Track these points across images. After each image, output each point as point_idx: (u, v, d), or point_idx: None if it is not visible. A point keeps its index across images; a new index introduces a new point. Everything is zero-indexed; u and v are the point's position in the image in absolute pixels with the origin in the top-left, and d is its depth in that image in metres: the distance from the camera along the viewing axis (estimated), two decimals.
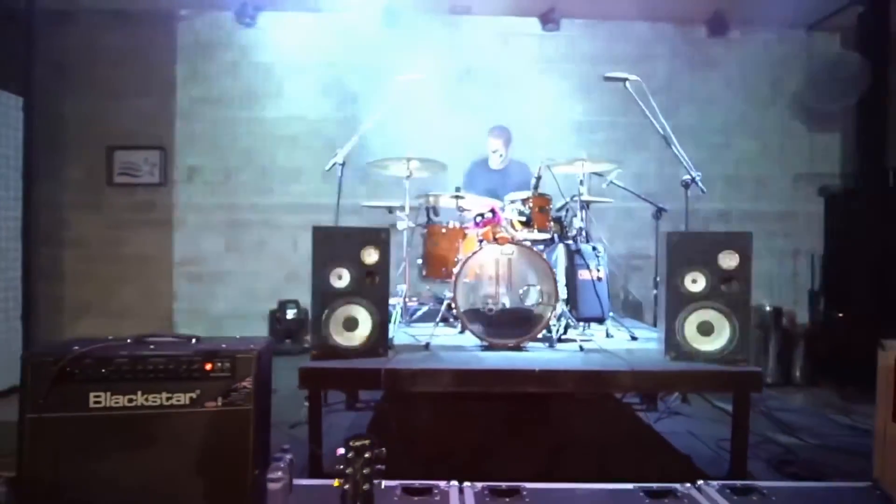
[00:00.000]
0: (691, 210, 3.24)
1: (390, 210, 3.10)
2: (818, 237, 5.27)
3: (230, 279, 5.26)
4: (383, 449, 1.17)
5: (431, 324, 2.66)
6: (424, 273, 2.92)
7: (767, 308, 4.74)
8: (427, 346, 2.39)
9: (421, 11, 5.13)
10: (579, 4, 5.17)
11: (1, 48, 4.49)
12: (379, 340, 2.19)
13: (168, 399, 1.38)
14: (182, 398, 1.38)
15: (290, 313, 4.42)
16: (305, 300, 5.06)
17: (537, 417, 2.57)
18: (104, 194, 5.20)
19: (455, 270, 2.48)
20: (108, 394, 1.35)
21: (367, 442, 1.16)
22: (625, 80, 2.88)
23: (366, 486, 1.13)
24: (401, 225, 2.85)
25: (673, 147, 2.83)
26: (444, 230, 2.87)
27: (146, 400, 1.37)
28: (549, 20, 5.16)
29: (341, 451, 1.17)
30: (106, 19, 5.11)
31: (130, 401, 1.36)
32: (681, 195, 3.18)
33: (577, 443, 2.31)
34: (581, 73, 5.22)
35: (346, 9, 5.12)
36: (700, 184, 2.84)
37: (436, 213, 3.00)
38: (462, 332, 2.69)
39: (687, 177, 2.82)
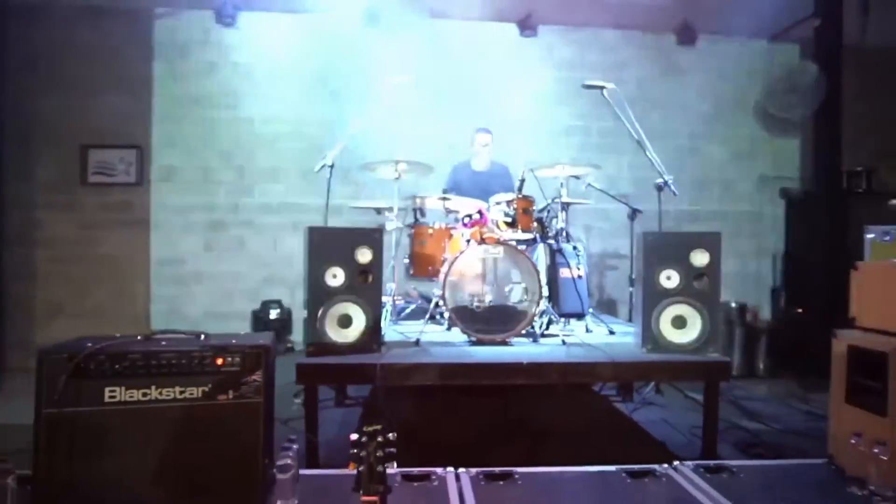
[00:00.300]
0: (663, 211, 3.43)
1: (378, 211, 3.18)
2: (780, 237, 5.59)
3: (209, 280, 5.23)
4: (393, 434, 1.27)
5: (419, 321, 2.77)
6: (411, 272, 3.01)
7: (733, 305, 5.01)
8: (417, 342, 2.49)
9: (401, 15, 5.19)
10: (555, 12, 5.34)
11: None
12: (372, 337, 2.28)
13: (181, 393, 1.44)
14: (195, 392, 1.45)
15: (273, 313, 4.44)
16: (288, 300, 5.11)
17: (521, 410, 2.70)
18: (77, 194, 5.10)
19: (443, 269, 2.58)
20: (123, 388, 1.41)
21: (379, 427, 1.26)
22: (602, 88, 3.03)
23: (379, 468, 1.22)
24: (389, 225, 2.94)
25: (647, 152, 3.00)
26: (430, 231, 2.97)
27: (160, 394, 1.43)
28: (526, 26, 5.32)
29: (354, 436, 1.26)
30: (79, 14, 5.02)
31: (145, 395, 1.42)
32: (651, 196, 3.36)
33: (560, 432, 2.44)
34: (557, 79, 5.40)
35: (327, 11, 5.16)
36: (672, 187, 3.02)
37: (422, 214, 3.10)
38: (449, 329, 2.81)
39: (660, 180, 3.00)
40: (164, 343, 1.49)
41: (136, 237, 5.15)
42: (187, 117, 5.17)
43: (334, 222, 3.61)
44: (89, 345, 1.42)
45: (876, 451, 1.59)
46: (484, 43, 5.37)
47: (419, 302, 3.05)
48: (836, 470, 1.76)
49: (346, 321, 2.25)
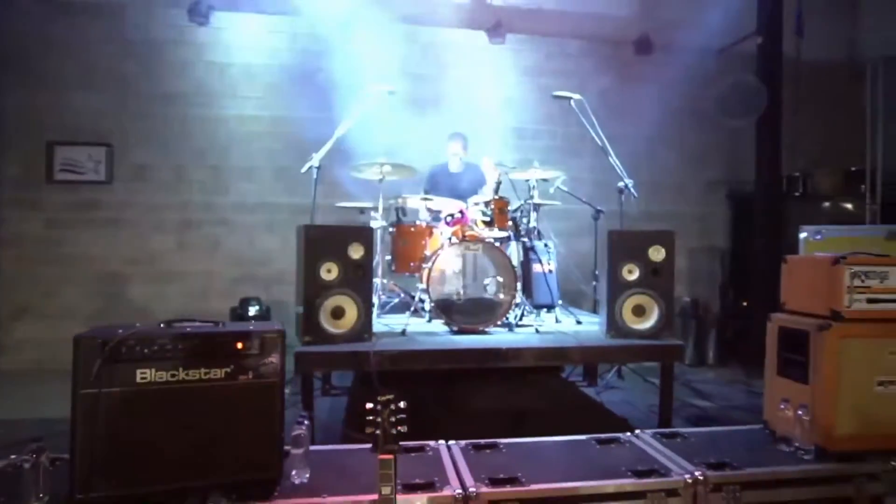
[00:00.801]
0: (621, 212, 3.76)
1: (361, 211, 3.36)
2: (727, 237, 6.08)
3: (182, 279, 5.25)
4: (403, 403, 1.48)
5: (402, 314, 2.98)
6: (394, 268, 3.21)
7: (686, 299, 5.44)
8: (404, 332, 2.70)
9: (373, 19, 5.36)
10: (522, 21, 5.64)
11: None
12: (364, 327, 2.48)
13: (206, 374, 1.60)
14: (218, 373, 1.61)
15: (253, 310, 4.53)
16: (266, 297, 5.18)
17: (498, 394, 2.95)
18: (44, 192, 5.04)
19: (426, 265, 2.80)
20: (153, 370, 1.56)
21: (391, 397, 1.47)
22: (570, 98, 3.32)
23: (394, 431, 1.43)
24: (374, 224, 3.13)
25: (610, 158, 3.31)
26: (412, 229, 3.18)
27: (187, 375, 1.58)
28: (495, 34, 5.59)
29: (370, 405, 1.46)
30: (48, 9, 4.96)
31: (173, 376, 1.57)
32: (611, 198, 3.68)
33: (534, 412, 2.70)
34: (524, 84, 5.70)
35: (300, 13, 5.28)
36: (632, 190, 3.34)
37: (404, 214, 3.30)
38: (430, 321, 3.03)
39: (622, 183, 3.30)
40: (188, 329, 1.64)
41: (105, 236, 5.12)
42: (160, 115, 5.18)
43: (317, 221, 3.76)
44: (120, 331, 1.57)
45: (800, 413, 1.92)
46: (454, 49, 5.61)
47: (402, 296, 3.25)
48: (769, 432, 2.09)
49: (339, 313, 2.44)
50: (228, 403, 1.61)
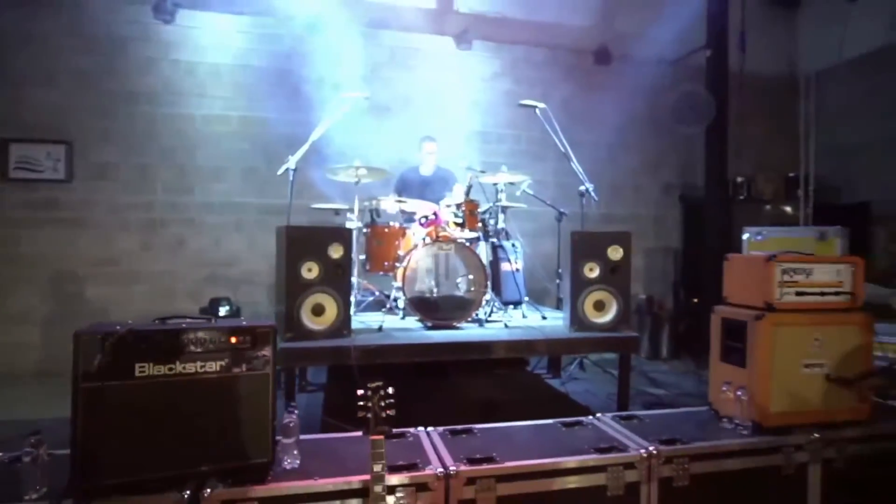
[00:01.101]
0: (582, 214, 4.01)
1: (336, 212, 3.48)
2: (680, 237, 6.47)
3: (146, 279, 5.20)
4: (391, 389, 1.63)
5: (376, 312, 3.11)
6: (368, 268, 3.34)
7: (642, 297, 5.78)
8: (380, 328, 2.84)
9: (341, 22, 5.46)
10: (489, 29, 5.86)
11: None
12: (343, 324, 2.60)
13: (202, 367, 1.70)
14: (213, 365, 1.72)
15: (223, 310, 4.56)
16: (234, 297, 5.18)
17: (469, 387, 3.13)
18: None
19: (401, 264, 2.95)
20: (151, 364, 1.65)
21: (380, 384, 1.62)
22: (535, 107, 3.53)
23: (383, 415, 1.58)
24: (350, 225, 3.25)
25: (572, 163, 3.54)
26: (386, 230, 3.32)
27: (183, 368, 1.68)
28: (462, 40, 5.78)
29: (361, 391, 1.61)
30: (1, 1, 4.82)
31: (170, 369, 1.67)
32: (573, 200, 3.92)
33: (503, 401, 2.89)
34: (491, 90, 5.92)
35: (269, 14, 5.33)
36: (593, 193, 3.58)
37: (378, 215, 3.44)
38: (404, 318, 3.18)
39: (583, 187, 3.55)
40: (184, 325, 1.74)
41: (64, 236, 5.01)
42: (123, 113, 5.11)
43: (290, 222, 3.84)
44: (118, 328, 1.65)
45: (739, 394, 2.18)
46: (422, 54, 5.77)
47: (376, 294, 3.38)
48: (713, 412, 2.34)
49: (319, 310, 2.56)
50: (223, 394, 1.72)
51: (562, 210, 3.91)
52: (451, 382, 3.03)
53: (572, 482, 1.85)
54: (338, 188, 4.44)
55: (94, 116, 5.05)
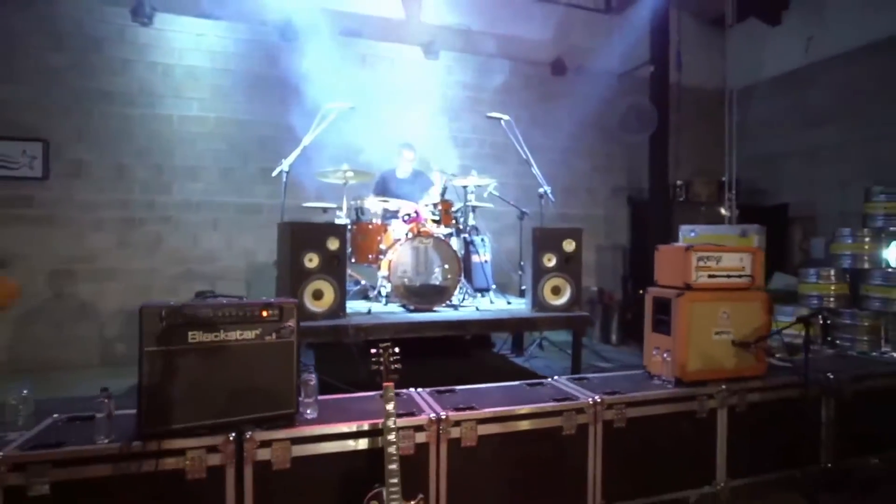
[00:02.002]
0: (540, 213, 4.60)
1: (324, 210, 3.91)
2: (628, 235, 7.22)
3: (123, 276, 5.40)
4: (398, 349, 2.12)
5: (360, 300, 3.57)
6: (354, 260, 3.80)
7: (594, 289, 6.46)
8: (369, 311, 3.31)
9: (315, 29, 5.84)
10: (454, 39, 6.38)
11: None
12: (339, 307, 3.06)
13: (240, 335, 2.13)
14: (249, 334, 2.14)
15: None
16: (219, 290, 5.46)
17: (441, 365, 3.63)
18: None
19: (387, 256, 3.42)
20: (201, 332, 2.06)
21: (389, 344, 2.11)
22: (500, 119, 4.08)
23: (392, 367, 2.07)
24: (338, 221, 3.70)
25: (533, 169, 4.11)
26: (370, 226, 3.78)
27: (226, 336, 2.10)
28: (429, 51, 6.29)
29: (374, 350, 2.09)
30: None
31: (216, 337, 2.09)
32: (532, 200, 4.50)
33: (474, 375, 3.41)
34: (456, 97, 6.46)
35: (244, 19, 5.67)
36: (551, 195, 4.17)
37: (361, 213, 3.90)
38: (386, 304, 3.65)
39: (541, 189, 4.12)
40: (225, 301, 2.17)
41: (39, 234, 5.16)
42: (98, 112, 5.31)
43: (277, 220, 4.22)
44: (172, 302, 2.07)
45: (665, 356, 2.78)
46: (392, 62, 6.24)
47: (361, 283, 3.84)
48: (647, 374, 2.95)
49: (319, 294, 3.01)
50: (257, 357, 2.16)
51: (523, 210, 4.48)
52: (428, 363, 3.52)
53: (536, 423, 2.39)
54: (319, 187, 4.83)
55: (68, 115, 5.22)
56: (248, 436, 2.07)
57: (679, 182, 6.82)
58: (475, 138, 6.51)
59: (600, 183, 7.18)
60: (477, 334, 4.17)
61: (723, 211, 6.81)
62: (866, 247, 4.33)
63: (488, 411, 2.35)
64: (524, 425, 2.38)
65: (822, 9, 6.51)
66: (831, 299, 4.42)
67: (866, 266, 4.35)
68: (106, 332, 5.35)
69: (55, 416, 2.23)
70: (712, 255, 2.83)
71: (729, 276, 2.87)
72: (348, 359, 3.39)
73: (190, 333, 2.06)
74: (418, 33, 6.21)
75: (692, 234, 5.08)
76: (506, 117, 4.17)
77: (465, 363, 3.61)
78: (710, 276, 2.83)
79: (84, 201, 5.29)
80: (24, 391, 2.31)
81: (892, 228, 4.35)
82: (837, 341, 4.35)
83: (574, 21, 6.79)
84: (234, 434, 2.06)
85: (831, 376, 3.00)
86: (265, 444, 2.08)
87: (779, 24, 7.15)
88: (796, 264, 6.13)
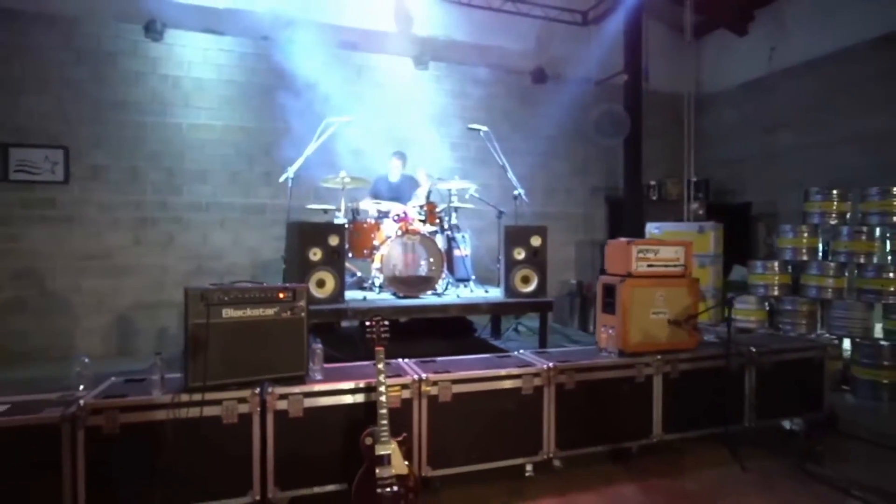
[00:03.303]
0: (522, 212, 5.21)
1: (325, 211, 4.51)
2: (605, 231, 7.84)
3: (138, 272, 6.00)
4: (387, 322, 2.73)
5: (356, 290, 4.18)
6: (351, 255, 4.40)
7: (573, 281, 7.08)
8: (364, 298, 3.92)
9: (313, 43, 6.43)
10: (442, 51, 6.99)
11: None
12: (339, 294, 3.66)
13: (263, 312, 2.72)
14: (269, 312, 2.74)
15: None
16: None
17: (427, 347, 4.23)
18: None
19: (380, 251, 4.03)
20: (232, 309, 2.66)
21: (380, 318, 2.71)
22: (479, 130, 4.69)
23: (383, 336, 2.67)
24: (336, 221, 4.30)
25: (508, 174, 4.73)
26: (365, 225, 4.38)
27: (251, 313, 2.70)
28: (419, 62, 6.88)
29: (368, 322, 2.70)
30: None
31: (244, 314, 2.69)
32: (511, 201, 5.12)
33: (455, 353, 4.02)
34: (445, 105, 7.07)
35: (248, 35, 6.25)
36: (524, 197, 4.78)
37: (357, 213, 4.50)
38: (379, 292, 4.26)
39: (516, 192, 4.74)
40: (250, 286, 2.77)
41: (60, 233, 5.74)
42: (114, 121, 5.90)
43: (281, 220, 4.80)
44: (210, 284, 2.66)
45: (611, 332, 3.40)
46: (385, 73, 6.83)
47: (357, 275, 4.45)
48: (597, 347, 3.57)
49: (322, 283, 3.61)
50: (275, 330, 2.75)
51: (501, 210, 5.08)
52: (416, 345, 4.12)
53: (500, 385, 3.00)
54: (319, 189, 5.43)
55: (86, 123, 5.80)
56: (269, 391, 2.67)
57: (652, 182, 7.45)
58: (462, 143, 7.11)
59: (579, 184, 7.79)
60: (460, 321, 4.78)
61: (695, 207, 7.45)
62: (804, 241, 4.97)
63: (461, 374, 2.96)
64: (490, 386, 3.00)
65: (784, 21, 7.16)
66: (775, 288, 5.06)
67: (805, 258, 4.98)
68: (122, 324, 5.93)
69: (112, 378, 2.82)
70: (651, 248, 3.45)
71: (665, 266, 3.49)
72: (350, 343, 4.00)
73: (224, 310, 2.66)
74: (409, 45, 6.81)
75: (656, 231, 5.71)
76: (484, 128, 4.79)
77: (448, 344, 4.21)
78: (649, 266, 3.45)
79: (101, 203, 5.87)
80: (85, 359, 2.89)
81: (829, 224, 4.99)
82: (780, 325, 4.99)
83: (554, 33, 7.42)
84: (258, 389, 2.66)
85: (753, 350, 3.63)
86: (283, 397, 2.69)
87: (746, 35, 7.80)
88: (762, 258, 6.77)
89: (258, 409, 2.66)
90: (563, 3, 7.25)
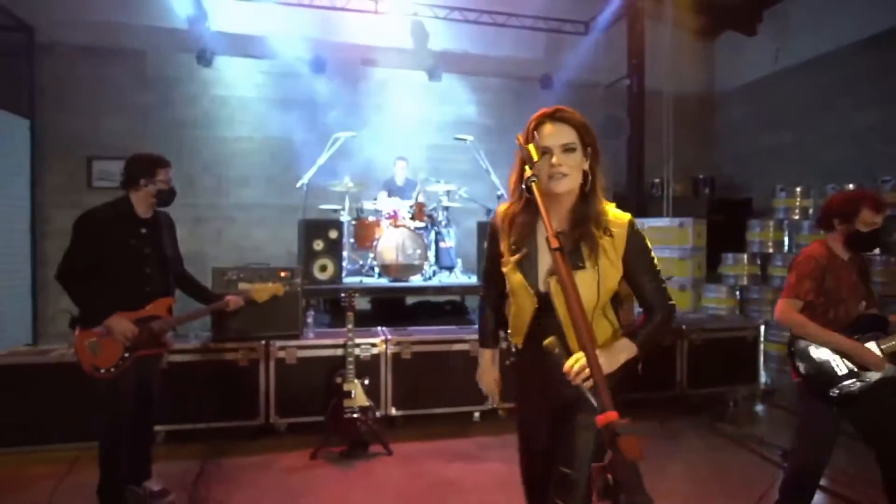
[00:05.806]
0: None
1: (335, 210, 5.57)
2: None
3: (193, 262, 7.21)
4: (357, 294, 3.72)
5: (357, 276, 5.21)
6: (356, 247, 5.44)
7: None
8: (361, 281, 4.95)
9: (340, 62, 7.53)
10: (455, 63, 7.91)
11: (5, 77, 6.29)
12: (338, 276, 4.71)
13: (269, 285, 3.80)
14: (273, 285, 3.81)
15: None
16: None
17: (421, 324, 5.20)
18: (83, 195, 7.00)
19: (376, 244, 5.04)
20: (247, 282, 3.74)
21: (354, 292, 3.71)
22: (465, 139, 5.60)
23: (353, 305, 3.67)
24: (343, 219, 5.36)
25: (491, 176, 5.61)
26: (368, 221, 5.41)
27: (261, 286, 3.78)
28: (433, 75, 7.84)
29: (343, 294, 3.71)
30: (81, 53, 6.88)
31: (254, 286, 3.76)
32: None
33: None
34: (455, 113, 7.98)
35: (282, 58, 7.42)
36: (508, 197, 5.64)
37: (361, 212, 5.54)
38: (377, 278, 5.26)
39: (499, 192, 5.61)
40: (258, 266, 3.84)
41: None
42: (175, 136, 7.20)
43: (299, 216, 5.94)
44: (231, 267, 3.76)
45: None
46: (402, 86, 7.83)
47: (360, 263, 5.49)
48: None
49: (324, 268, 4.66)
50: (278, 299, 3.81)
51: (489, 207, 5.96)
52: (415, 323, 5.10)
53: (451, 347, 3.93)
54: (329, 192, 6.53)
55: (153, 139, 7.10)
56: (273, 344, 3.74)
57: (657, 180, 8.04)
58: (473, 146, 7.98)
59: None
60: (456, 304, 5.70)
61: (696, 204, 7.96)
62: (771, 235, 5.54)
63: (419, 336, 3.92)
64: (444, 348, 3.93)
65: (790, 22, 7.57)
66: (744, 278, 5.65)
67: (770, 251, 5.55)
68: (182, 300, 7.25)
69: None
70: None
71: None
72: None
73: (240, 284, 3.75)
74: (424, 60, 7.77)
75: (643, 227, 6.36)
76: (469, 138, 5.69)
77: (440, 322, 5.16)
78: None
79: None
80: None
81: (793, 219, 5.53)
82: (748, 312, 5.59)
83: (561, 41, 8.15)
84: (264, 342, 3.74)
85: (684, 327, 4.36)
86: (282, 348, 3.75)
87: (755, 35, 8.24)
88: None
89: (264, 356, 3.73)
90: (565, 15, 7.97)
